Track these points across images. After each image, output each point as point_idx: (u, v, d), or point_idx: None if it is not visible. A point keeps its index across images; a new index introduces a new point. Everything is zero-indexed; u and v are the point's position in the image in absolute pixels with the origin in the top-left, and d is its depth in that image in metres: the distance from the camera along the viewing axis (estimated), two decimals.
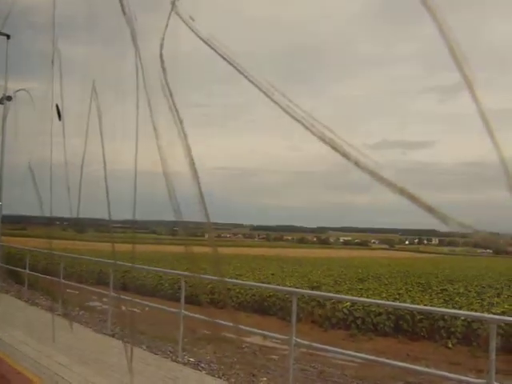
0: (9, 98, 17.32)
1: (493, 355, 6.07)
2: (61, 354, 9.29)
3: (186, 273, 12.59)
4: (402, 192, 1.30)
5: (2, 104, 17.64)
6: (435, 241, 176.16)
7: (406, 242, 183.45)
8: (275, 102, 1.42)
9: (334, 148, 1.38)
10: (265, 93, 1.43)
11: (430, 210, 1.25)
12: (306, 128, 1.41)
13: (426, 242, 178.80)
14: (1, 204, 20.99)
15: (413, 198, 1.28)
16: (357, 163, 1.38)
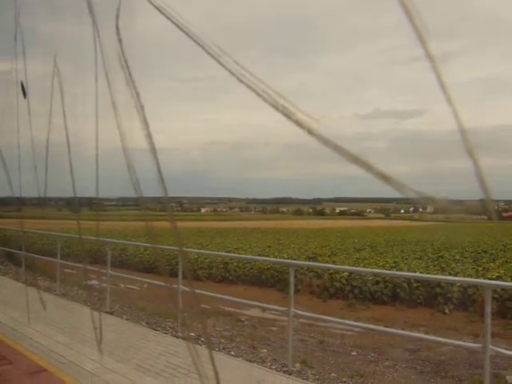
0: None
1: (488, 320, 6.14)
2: (60, 333, 9.34)
3: (184, 248, 12.63)
4: (357, 161, 1.28)
5: None
6: (430, 209, 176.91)
7: (402, 211, 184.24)
8: (248, 86, 1.40)
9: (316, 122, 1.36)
10: (232, 73, 1.40)
11: (385, 178, 1.23)
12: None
13: (421, 210, 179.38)
14: None
15: (368, 167, 1.27)
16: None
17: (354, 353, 9.52)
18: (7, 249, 19.71)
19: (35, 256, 17.16)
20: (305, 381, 7.42)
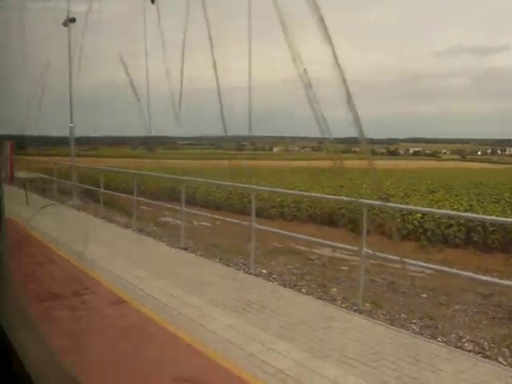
0: (72, 20, 17.41)
1: None
2: (137, 267, 9.70)
3: (255, 186, 12.75)
4: (433, 100, 1.23)
5: (67, 26, 17.77)
6: (510, 151, 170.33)
7: (479, 153, 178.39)
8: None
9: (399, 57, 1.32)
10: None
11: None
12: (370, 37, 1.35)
13: (499, 152, 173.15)
14: (73, 126, 21.56)
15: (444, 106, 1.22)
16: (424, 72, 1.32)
17: (425, 295, 9.47)
18: (86, 186, 20.40)
19: (112, 193, 17.74)
20: (375, 320, 7.48)
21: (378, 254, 8.64)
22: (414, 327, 7.39)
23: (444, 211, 15.03)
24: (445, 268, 8.20)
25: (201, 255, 11.28)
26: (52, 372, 1.14)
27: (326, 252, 12.77)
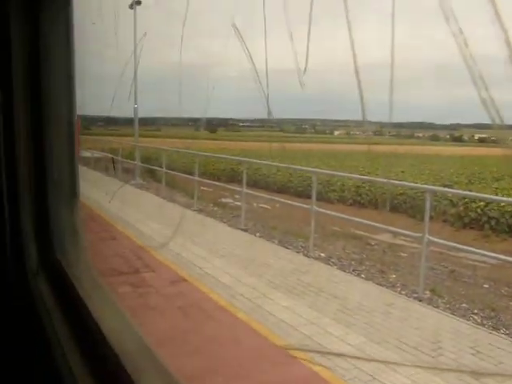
0: (138, 3, 17.77)
1: None
2: (198, 246, 9.83)
3: (316, 169, 12.70)
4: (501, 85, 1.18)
5: (132, 9, 18.11)
6: None
7: None
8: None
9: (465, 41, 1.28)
10: None
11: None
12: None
13: None
14: (136, 106, 21.95)
15: None
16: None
17: (486, 285, 9.27)
18: (149, 166, 20.76)
19: (174, 173, 18.00)
20: (435, 309, 7.38)
21: (441, 241, 8.50)
22: (476, 318, 7.25)
23: (509, 199, 14.62)
24: (508, 258, 7.97)
25: (260, 236, 11.35)
26: (142, 358, 1.18)
27: (386, 238, 12.64)
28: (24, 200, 1.81)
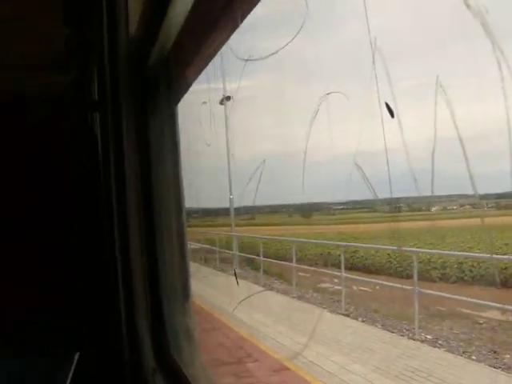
0: (228, 98, 18.57)
1: None
2: (300, 334, 9.74)
3: (417, 249, 12.46)
4: None
5: (223, 105, 18.90)
6: None
7: None
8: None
9: None
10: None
11: None
12: None
13: None
14: (232, 197, 22.48)
15: None
16: None
17: None
18: (246, 255, 20.99)
19: (271, 260, 18.10)
20: None
21: None
22: None
23: None
24: None
25: (362, 321, 11.12)
26: None
27: (494, 315, 12.07)
28: (140, 304, 1.92)
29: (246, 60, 2.01)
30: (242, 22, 1.77)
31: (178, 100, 2.05)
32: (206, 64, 1.88)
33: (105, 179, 2.02)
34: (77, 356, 1.97)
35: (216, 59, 1.85)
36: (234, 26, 1.84)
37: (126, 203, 1.95)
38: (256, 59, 1.86)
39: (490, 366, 8.00)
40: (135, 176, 1.96)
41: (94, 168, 2.04)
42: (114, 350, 1.92)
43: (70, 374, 1.91)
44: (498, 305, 9.85)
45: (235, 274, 18.08)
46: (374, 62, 1.71)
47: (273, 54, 1.71)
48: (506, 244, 25.37)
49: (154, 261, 1.93)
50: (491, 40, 1.03)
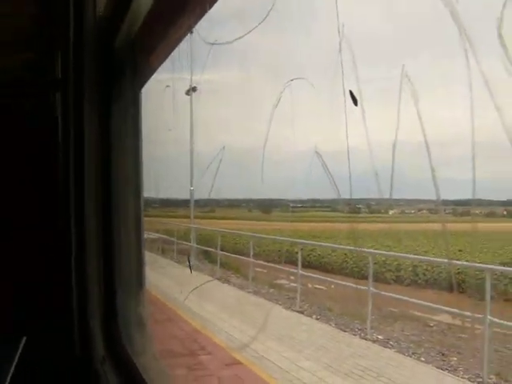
0: (194, 89, 18.44)
1: None
2: (252, 328, 9.75)
3: (374, 250, 12.60)
4: None
5: (189, 95, 18.75)
6: None
7: None
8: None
9: None
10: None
11: None
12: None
13: None
14: (193, 189, 22.39)
15: None
16: None
17: None
18: (204, 247, 20.93)
19: (228, 254, 18.10)
20: None
21: (504, 322, 8.23)
22: None
23: None
24: None
25: (316, 319, 11.19)
26: None
27: (445, 318, 12.28)
28: (92, 291, 1.88)
29: (212, 44, 1.99)
30: (210, 8, 1.75)
31: (142, 85, 2.01)
32: (172, 49, 1.85)
33: (64, 161, 1.97)
34: (23, 340, 1.92)
35: (182, 46, 1.82)
36: (203, 12, 1.81)
37: (83, 188, 1.91)
38: (222, 43, 1.84)
39: (437, 367, 8.14)
40: (94, 160, 1.92)
41: (53, 149, 1.99)
42: (64, 336, 1.88)
43: (16, 358, 1.86)
44: (449, 309, 10.01)
45: (189, 264, 18.03)
46: (340, 50, 1.70)
47: (238, 38, 1.69)
48: (460, 250, 25.85)
49: (110, 248, 1.90)
50: (458, 27, 1.03)
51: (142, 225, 2.01)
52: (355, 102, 1.51)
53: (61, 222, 1.93)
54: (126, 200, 1.96)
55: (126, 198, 1.97)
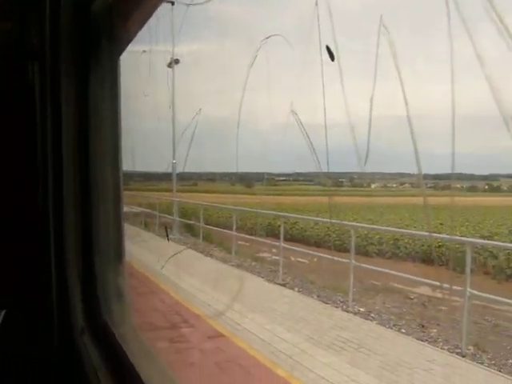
0: (177, 61, 18.29)
1: None
2: (236, 301, 9.81)
3: (356, 223, 12.66)
4: None
5: (171, 68, 18.62)
6: None
7: None
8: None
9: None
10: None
11: None
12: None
13: None
14: (175, 162, 22.30)
15: None
16: None
17: None
18: (187, 221, 20.92)
19: (211, 228, 18.11)
20: (479, 365, 7.18)
21: (483, 294, 8.34)
22: None
23: None
24: None
25: (298, 291, 11.28)
26: None
27: (425, 291, 12.43)
28: (71, 262, 1.88)
29: (188, 5, 1.97)
30: None
31: (121, 52, 1.98)
32: (150, 16, 1.81)
33: (41, 132, 1.95)
34: (3, 313, 1.92)
35: (159, 11, 1.78)
36: None
37: (61, 161, 1.89)
38: (197, 3, 1.81)
39: (417, 339, 8.25)
40: (72, 131, 1.90)
41: (31, 120, 1.96)
42: (43, 308, 1.88)
43: None
44: (429, 281, 10.13)
45: (166, 233, 17.98)
46: (318, 17, 1.68)
47: None
48: (441, 224, 26.08)
49: (88, 220, 1.88)
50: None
51: (122, 197, 1.99)
52: (332, 57, 1.49)
53: (39, 196, 1.91)
54: (104, 172, 1.94)
55: (104, 170, 1.95)
